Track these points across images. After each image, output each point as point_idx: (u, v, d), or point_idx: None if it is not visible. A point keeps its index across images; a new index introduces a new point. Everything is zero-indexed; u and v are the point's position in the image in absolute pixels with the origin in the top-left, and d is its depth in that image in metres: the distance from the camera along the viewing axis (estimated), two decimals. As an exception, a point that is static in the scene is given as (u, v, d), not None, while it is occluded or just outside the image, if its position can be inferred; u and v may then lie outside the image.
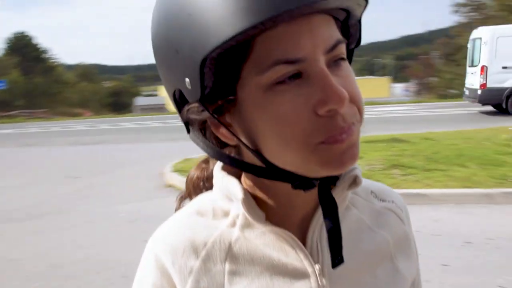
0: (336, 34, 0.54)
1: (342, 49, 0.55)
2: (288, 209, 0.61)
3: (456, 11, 37.06)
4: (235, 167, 0.60)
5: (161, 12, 0.58)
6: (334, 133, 0.52)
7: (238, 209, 0.62)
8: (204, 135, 0.62)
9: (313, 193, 0.58)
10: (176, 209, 0.72)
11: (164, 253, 0.62)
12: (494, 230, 4.69)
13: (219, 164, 0.66)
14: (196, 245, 0.61)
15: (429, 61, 41.75)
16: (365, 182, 0.67)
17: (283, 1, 0.48)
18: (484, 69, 12.56)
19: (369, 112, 19.42)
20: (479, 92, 12.46)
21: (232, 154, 0.62)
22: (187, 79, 0.55)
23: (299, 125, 0.52)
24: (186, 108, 0.59)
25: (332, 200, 0.57)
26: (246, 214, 0.59)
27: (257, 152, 0.56)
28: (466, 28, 36.77)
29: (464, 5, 36.64)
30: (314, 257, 0.60)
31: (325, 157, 0.53)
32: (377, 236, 0.66)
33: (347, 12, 0.57)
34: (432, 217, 5.22)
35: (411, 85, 57.70)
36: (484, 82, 12.50)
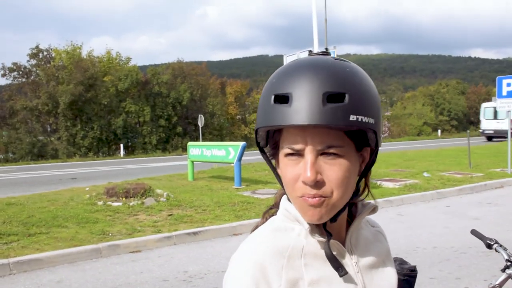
0: (329, 141, 0.88)
1: (333, 150, 0.88)
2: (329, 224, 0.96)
3: (4, 75, 36.55)
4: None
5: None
6: (304, 195, 0.89)
7: (301, 227, 0.96)
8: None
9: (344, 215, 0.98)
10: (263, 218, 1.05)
11: (261, 256, 0.90)
12: (112, 279, 5.22)
13: (285, 197, 1.00)
14: (281, 250, 0.92)
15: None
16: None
17: (294, 118, 0.85)
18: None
19: None
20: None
21: None
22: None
23: (291, 182, 0.91)
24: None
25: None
26: (309, 232, 0.93)
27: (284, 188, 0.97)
28: (16, 92, 36.85)
29: (11, 69, 36.69)
30: (350, 254, 0.99)
31: (299, 206, 0.92)
32: (378, 247, 1.05)
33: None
34: (53, 279, 5.27)
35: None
36: None
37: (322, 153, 0.88)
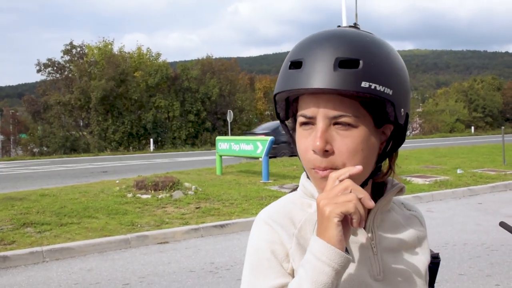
0: (341, 109, 0.85)
1: (346, 119, 0.85)
2: None
3: (39, 70, 37.53)
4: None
5: None
6: (314, 167, 0.88)
7: None
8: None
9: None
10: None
11: (274, 221, 0.93)
12: (140, 269, 5.31)
13: (304, 174, 0.99)
14: (293, 221, 0.94)
15: (17, 117, 40.35)
16: (398, 197, 1.03)
17: (304, 82, 0.85)
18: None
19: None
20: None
21: None
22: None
23: (303, 153, 0.90)
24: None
25: None
26: None
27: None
28: (50, 87, 37.77)
29: (46, 65, 37.63)
30: (370, 235, 0.95)
31: (312, 179, 0.92)
32: (407, 231, 1.00)
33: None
34: (84, 268, 5.40)
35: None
36: None
37: (335, 123, 0.86)
